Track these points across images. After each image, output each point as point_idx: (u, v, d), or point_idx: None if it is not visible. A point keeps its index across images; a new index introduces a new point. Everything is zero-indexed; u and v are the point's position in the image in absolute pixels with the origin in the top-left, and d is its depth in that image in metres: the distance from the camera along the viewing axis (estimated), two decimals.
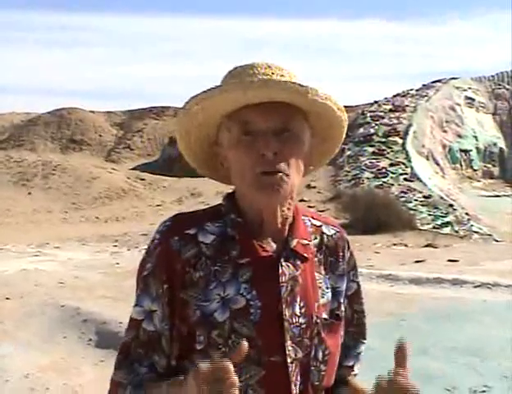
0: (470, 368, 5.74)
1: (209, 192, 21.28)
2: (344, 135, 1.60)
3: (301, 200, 19.73)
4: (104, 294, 8.72)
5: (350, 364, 1.67)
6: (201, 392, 1.23)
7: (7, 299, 8.42)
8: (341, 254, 1.62)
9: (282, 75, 1.47)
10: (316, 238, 1.59)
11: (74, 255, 12.91)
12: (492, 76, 31.60)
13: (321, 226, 1.62)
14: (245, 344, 1.27)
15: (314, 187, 21.78)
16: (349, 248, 1.64)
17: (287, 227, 1.54)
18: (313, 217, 1.63)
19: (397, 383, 1.31)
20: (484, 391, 5.28)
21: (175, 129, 1.58)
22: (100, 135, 36.41)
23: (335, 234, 1.63)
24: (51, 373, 5.76)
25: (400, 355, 1.34)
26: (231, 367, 1.23)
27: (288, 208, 1.53)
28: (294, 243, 1.53)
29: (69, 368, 5.91)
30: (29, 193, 24.11)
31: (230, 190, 1.59)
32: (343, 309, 1.61)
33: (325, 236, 1.60)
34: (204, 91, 1.47)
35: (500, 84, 31.17)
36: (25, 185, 24.93)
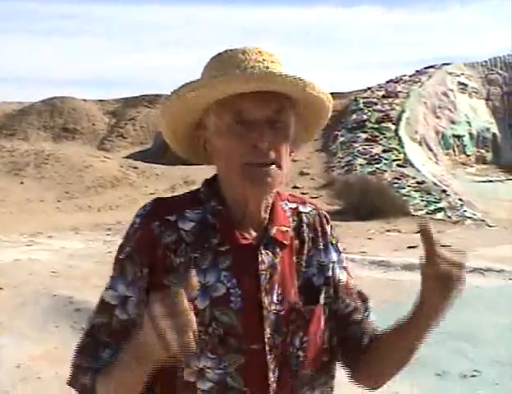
0: (461, 354, 5.77)
1: (203, 180, 21.23)
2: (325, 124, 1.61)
3: (294, 187, 19.72)
4: (98, 283, 8.69)
5: (359, 318, 1.64)
6: (157, 329, 1.25)
7: (0, 289, 8.41)
8: (320, 228, 1.62)
9: (273, 61, 1.47)
10: (294, 220, 1.59)
11: (67, 244, 12.87)
12: (485, 62, 31.52)
13: (297, 207, 1.62)
14: (194, 274, 1.29)
15: (307, 174, 21.74)
16: (328, 222, 1.64)
17: (267, 215, 1.54)
18: (288, 200, 1.63)
19: (441, 260, 1.37)
20: (474, 376, 5.31)
21: (160, 111, 1.56)
22: (93, 124, 36.27)
23: (311, 211, 1.63)
24: (43, 363, 5.77)
25: (426, 235, 1.38)
26: (186, 301, 1.25)
27: (271, 196, 1.54)
28: (273, 231, 1.53)
29: (61, 357, 5.90)
30: (22, 182, 24.01)
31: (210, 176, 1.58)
32: (335, 280, 1.60)
33: (303, 215, 1.61)
34: (202, 79, 1.47)
35: (492, 70, 31.13)
36: (17, 175, 24.81)
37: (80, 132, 35.68)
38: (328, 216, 1.67)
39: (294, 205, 1.62)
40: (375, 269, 9.60)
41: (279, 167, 1.46)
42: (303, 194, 19.16)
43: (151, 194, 22.11)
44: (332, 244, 1.63)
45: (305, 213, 1.62)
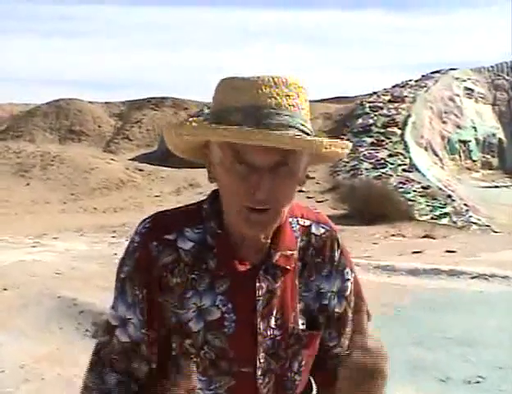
0: (465, 359, 5.74)
1: (207, 183, 21.19)
2: None
3: (299, 191, 19.64)
4: (102, 285, 8.68)
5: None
6: None
7: (4, 289, 8.41)
8: (328, 254, 1.56)
9: (288, 96, 1.38)
10: (303, 240, 1.54)
11: (72, 246, 12.88)
12: (492, 67, 31.48)
13: (310, 225, 1.57)
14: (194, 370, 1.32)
15: (313, 178, 21.72)
16: (339, 247, 1.58)
17: (270, 239, 1.49)
18: (302, 217, 1.57)
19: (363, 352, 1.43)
20: (478, 382, 5.28)
21: (164, 136, 1.52)
22: (99, 126, 36.34)
23: (324, 233, 1.57)
24: (46, 364, 5.77)
25: None
26: None
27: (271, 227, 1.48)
28: (276, 257, 1.49)
29: (64, 358, 5.92)
30: (28, 184, 24.06)
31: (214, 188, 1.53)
32: (330, 309, 1.58)
33: (313, 237, 1.55)
34: (200, 127, 1.40)
35: (499, 75, 31.09)
36: (23, 176, 24.87)
37: (85, 134, 35.75)
38: (340, 239, 1.60)
39: (307, 223, 1.56)
40: (380, 274, 9.56)
41: (276, 211, 1.41)
42: (308, 197, 19.15)
43: (156, 196, 22.15)
44: (338, 270, 1.57)
45: (316, 235, 1.56)
